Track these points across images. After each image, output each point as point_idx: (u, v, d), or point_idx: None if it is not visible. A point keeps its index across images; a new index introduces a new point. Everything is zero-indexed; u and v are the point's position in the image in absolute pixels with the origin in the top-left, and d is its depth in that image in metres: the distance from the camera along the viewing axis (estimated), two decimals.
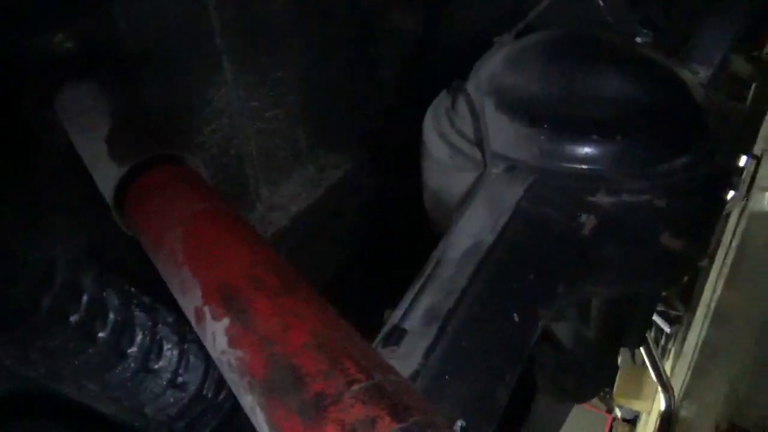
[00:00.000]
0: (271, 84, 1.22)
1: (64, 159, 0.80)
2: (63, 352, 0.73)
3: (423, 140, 0.88)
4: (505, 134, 0.75)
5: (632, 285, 0.80)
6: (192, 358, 0.83)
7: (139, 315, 0.80)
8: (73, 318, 0.73)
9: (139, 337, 0.79)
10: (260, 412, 0.30)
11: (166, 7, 0.94)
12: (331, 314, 0.34)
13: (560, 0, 0.96)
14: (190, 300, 0.38)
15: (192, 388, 0.83)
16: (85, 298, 0.74)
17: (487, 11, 1.33)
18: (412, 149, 0.96)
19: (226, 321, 0.34)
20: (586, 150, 0.70)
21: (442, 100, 0.93)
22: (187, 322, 0.84)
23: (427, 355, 0.48)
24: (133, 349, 0.78)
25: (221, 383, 0.87)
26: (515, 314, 0.56)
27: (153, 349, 0.80)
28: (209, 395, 0.85)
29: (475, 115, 0.79)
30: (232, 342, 0.33)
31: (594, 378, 1.07)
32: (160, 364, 0.80)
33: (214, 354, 0.35)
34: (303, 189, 1.38)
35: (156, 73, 0.95)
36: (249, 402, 0.31)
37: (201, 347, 0.86)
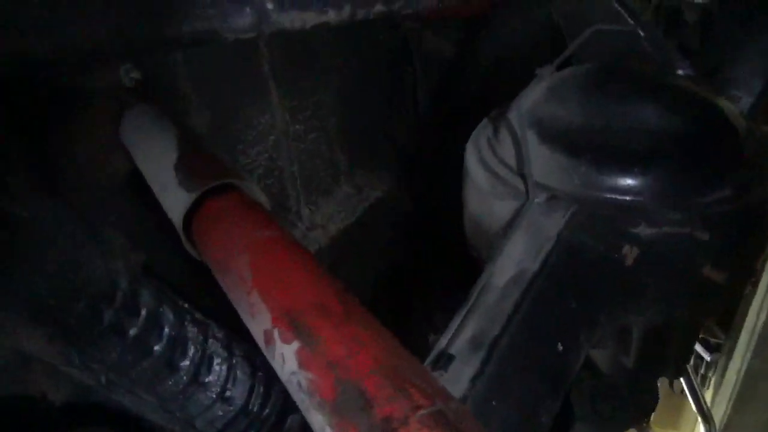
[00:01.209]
0: (313, 107, 1.27)
1: (125, 181, 0.85)
2: (121, 363, 0.77)
3: (465, 167, 0.90)
4: (547, 164, 0.77)
5: (673, 315, 0.81)
6: (239, 374, 0.87)
7: (191, 330, 0.84)
8: (131, 331, 0.77)
9: (191, 352, 0.83)
10: (330, 431, 0.32)
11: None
12: (392, 341, 0.37)
13: (600, 31, 0.98)
14: (259, 323, 0.41)
15: (239, 402, 0.86)
16: (143, 313, 0.79)
17: (523, 38, 1.35)
18: (447, 171, 0.99)
19: (295, 344, 0.37)
20: (627, 181, 0.72)
21: (484, 128, 0.95)
22: (235, 339, 0.88)
23: (474, 380, 0.50)
24: (185, 363, 0.82)
25: (266, 398, 0.90)
26: (559, 343, 0.57)
27: (203, 364, 0.84)
28: (254, 409, 0.88)
29: (518, 145, 0.81)
30: (302, 364, 0.36)
31: (633, 406, 1.06)
32: (210, 378, 0.84)
33: (283, 374, 0.38)
34: (342, 209, 1.42)
35: (207, 98, 1.00)
36: (319, 421, 0.33)
37: (247, 363, 0.89)
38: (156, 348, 0.79)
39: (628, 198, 0.72)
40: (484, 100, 1.04)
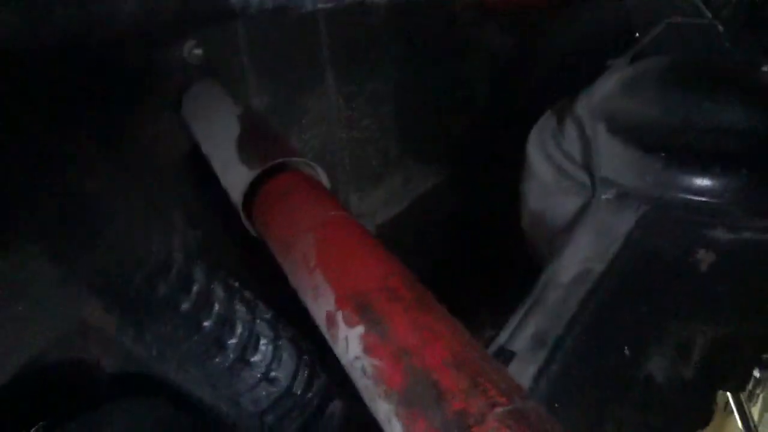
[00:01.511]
0: (368, 94, 1.25)
1: (185, 159, 0.85)
2: (172, 337, 0.78)
3: (526, 160, 0.87)
4: (617, 160, 0.73)
5: (744, 326, 0.76)
6: (285, 356, 0.86)
7: (240, 309, 0.84)
8: (184, 306, 0.78)
9: (239, 330, 0.83)
10: (397, 422, 0.31)
11: (281, 19, 0.98)
12: (465, 333, 0.35)
13: (676, 24, 0.93)
14: (321, 305, 0.39)
15: (283, 383, 0.86)
16: (195, 288, 0.79)
17: (588, 30, 1.30)
18: (501, 166, 0.95)
19: (360, 328, 0.35)
20: (708, 182, 0.67)
21: (548, 120, 0.92)
22: (282, 321, 0.88)
23: (536, 379, 0.48)
24: (233, 341, 0.82)
25: (310, 382, 0.89)
26: (626, 347, 0.54)
27: (250, 343, 0.84)
28: (298, 392, 0.88)
29: (586, 139, 0.78)
30: (368, 350, 0.34)
31: (687, 420, 1.01)
32: (256, 357, 0.84)
33: (346, 360, 0.36)
34: (390, 198, 1.41)
35: (266, 80, 1.00)
36: (384, 410, 0.32)
37: (293, 346, 0.89)
38: (206, 324, 0.80)
39: (706, 200, 0.67)
40: (546, 95, 1.00)
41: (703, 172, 0.67)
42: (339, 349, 0.37)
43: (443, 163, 1.47)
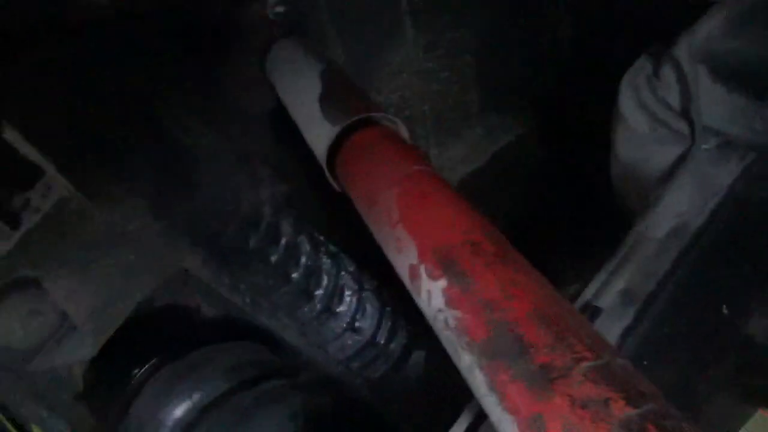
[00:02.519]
0: (448, 45, 1.22)
1: (271, 115, 0.88)
2: (264, 287, 0.82)
3: (618, 109, 0.82)
4: (721, 106, 0.67)
5: None
6: (368, 307, 0.89)
7: (325, 261, 0.87)
8: (273, 258, 0.82)
9: (324, 281, 0.86)
10: (480, 373, 0.31)
11: None
12: (550, 288, 0.34)
13: None
14: (404, 258, 0.40)
15: (367, 333, 0.89)
16: (283, 241, 0.83)
17: None
18: (589, 118, 0.90)
19: (443, 282, 0.36)
20: None
21: (642, 66, 0.85)
22: (365, 274, 0.90)
23: (624, 336, 0.46)
24: (320, 292, 0.86)
25: (392, 333, 0.92)
26: (724, 306, 0.51)
27: (336, 294, 0.87)
28: (381, 342, 0.91)
29: (686, 84, 0.72)
30: (450, 302, 0.35)
31: None
32: (341, 308, 0.88)
33: (429, 312, 0.37)
34: (471, 151, 1.38)
35: (344, 34, 0.99)
36: (467, 361, 0.32)
37: (376, 298, 0.92)
38: (294, 275, 0.84)
39: None
40: (636, 42, 0.93)
41: None
42: (422, 302, 0.38)
43: (526, 114, 1.42)
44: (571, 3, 1.31)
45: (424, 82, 1.20)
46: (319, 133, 0.58)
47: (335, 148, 0.56)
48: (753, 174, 0.61)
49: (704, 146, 0.66)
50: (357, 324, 0.89)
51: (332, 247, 0.88)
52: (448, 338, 0.35)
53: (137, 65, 0.68)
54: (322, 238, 0.87)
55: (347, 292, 0.89)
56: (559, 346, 0.29)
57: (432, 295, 0.36)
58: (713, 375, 0.48)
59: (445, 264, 0.36)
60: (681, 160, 0.66)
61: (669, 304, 0.50)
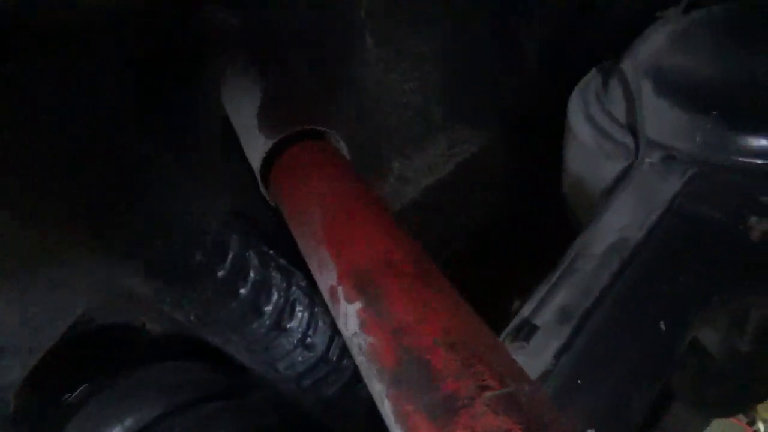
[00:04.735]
0: (411, 56, 1.21)
1: (221, 127, 0.86)
2: (210, 303, 0.80)
3: (568, 122, 0.82)
4: (664, 120, 0.68)
5: None
6: (320, 322, 0.87)
7: (275, 276, 0.85)
8: (220, 273, 0.79)
9: (274, 297, 0.84)
10: (388, 402, 0.30)
11: None
12: (466, 310, 0.33)
13: None
14: (325, 278, 0.39)
15: (319, 349, 0.87)
16: (230, 255, 0.80)
17: None
18: (554, 131, 0.91)
19: (358, 304, 0.34)
20: (763, 143, 0.61)
21: (592, 79, 0.86)
22: (317, 288, 0.88)
23: (558, 355, 0.46)
24: (269, 308, 0.84)
25: (345, 349, 0.90)
26: (662, 322, 0.51)
27: (286, 309, 0.85)
28: (334, 359, 0.89)
29: (630, 97, 0.72)
30: (364, 326, 0.33)
31: (743, 393, 0.96)
32: (292, 324, 0.85)
33: (346, 334, 0.36)
34: (434, 163, 1.37)
35: (303, 48, 0.98)
36: (377, 389, 0.31)
37: (329, 313, 0.89)
38: (242, 291, 0.81)
39: (760, 162, 0.61)
40: (602, 55, 0.93)
41: (760, 130, 0.61)
42: (340, 324, 0.36)
43: (491, 126, 1.42)
44: (538, 15, 1.32)
45: (387, 93, 1.19)
46: (254, 147, 0.56)
47: (270, 161, 0.55)
48: (693, 188, 0.61)
49: (648, 160, 0.66)
50: (308, 340, 0.87)
51: (283, 262, 0.86)
52: (361, 364, 0.33)
53: (70, 75, 0.66)
54: (271, 252, 0.85)
55: (299, 307, 0.87)
56: (466, 373, 0.27)
57: (348, 318, 0.35)
58: (649, 394, 0.48)
59: (361, 286, 0.35)
60: (624, 174, 0.67)
61: (605, 321, 0.49)
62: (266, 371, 0.85)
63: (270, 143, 0.53)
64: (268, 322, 0.83)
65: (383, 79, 1.17)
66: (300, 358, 0.86)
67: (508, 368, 0.29)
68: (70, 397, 0.65)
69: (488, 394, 0.26)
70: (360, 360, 0.33)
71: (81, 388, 0.66)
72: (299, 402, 0.87)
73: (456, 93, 1.30)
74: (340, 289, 0.36)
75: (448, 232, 1.38)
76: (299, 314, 0.86)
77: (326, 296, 0.39)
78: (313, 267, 0.42)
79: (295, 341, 0.85)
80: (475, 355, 0.29)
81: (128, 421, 0.60)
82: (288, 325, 0.85)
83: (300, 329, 0.86)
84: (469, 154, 1.39)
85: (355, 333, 0.34)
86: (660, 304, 0.52)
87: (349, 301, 0.35)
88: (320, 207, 0.43)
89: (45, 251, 0.63)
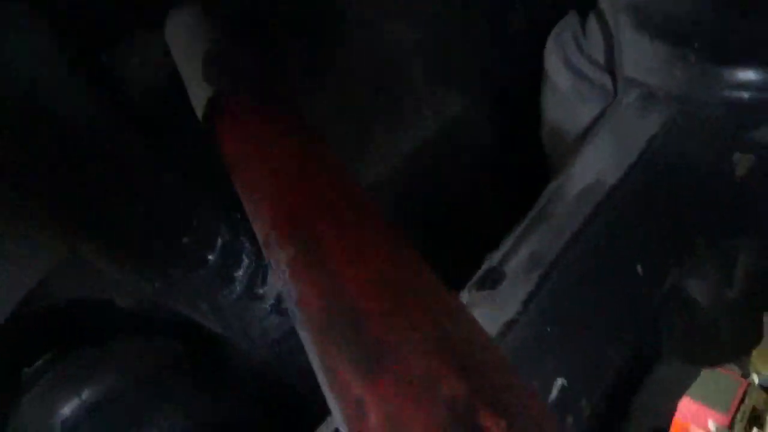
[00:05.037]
0: (393, 20, 1.16)
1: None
2: (175, 271, 0.76)
3: (544, 68, 0.78)
4: (643, 57, 0.64)
5: None
6: None
7: (245, 241, 0.81)
8: (184, 240, 0.76)
9: (245, 263, 0.81)
10: (315, 352, 0.26)
11: None
12: (406, 252, 0.29)
13: None
14: (260, 226, 0.35)
15: None
16: (195, 222, 0.77)
17: None
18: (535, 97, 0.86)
19: (290, 250, 0.31)
20: (750, 75, 0.57)
21: (569, 22, 0.81)
22: None
23: (526, 303, 0.42)
24: (240, 273, 0.80)
25: None
26: (639, 266, 0.48)
27: (258, 275, 0.82)
28: None
29: (609, 36, 0.68)
30: (294, 273, 0.30)
31: (732, 343, 0.94)
32: (264, 289, 0.82)
33: (279, 284, 0.32)
34: (412, 129, 1.33)
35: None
36: (306, 339, 0.28)
37: None
38: (210, 257, 0.78)
39: (747, 95, 0.57)
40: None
41: (745, 63, 0.57)
42: (275, 275, 0.33)
43: (475, 88, 1.37)
44: None
45: (370, 56, 1.15)
46: (198, 95, 0.52)
47: (215, 110, 0.51)
48: (673, 126, 0.58)
49: (626, 99, 0.62)
50: (283, 305, 0.84)
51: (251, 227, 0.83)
52: (293, 314, 0.30)
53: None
54: (239, 216, 0.82)
55: (270, 273, 0.84)
56: (395, 314, 0.24)
57: (280, 266, 0.31)
58: (625, 341, 0.45)
59: (293, 230, 0.31)
60: (603, 114, 0.63)
61: (577, 265, 0.46)
62: (240, 340, 0.83)
63: (212, 90, 0.49)
64: (239, 289, 0.80)
65: (372, 39, 1.12)
66: (275, 324, 0.83)
67: (444, 309, 0.25)
68: (26, 370, 0.62)
69: (417, 335, 0.23)
70: (292, 310, 0.30)
71: (38, 362, 0.63)
72: (276, 371, 0.84)
73: (438, 56, 1.25)
74: (272, 235, 0.33)
75: (434, 195, 1.35)
76: (272, 280, 0.83)
77: (262, 246, 0.35)
78: (251, 216, 0.38)
79: (269, 307, 0.82)
80: (408, 295, 0.25)
81: (85, 394, 0.57)
82: (260, 291, 0.82)
83: (273, 295, 0.83)
84: (452, 117, 1.35)
85: (286, 281, 0.30)
86: (636, 248, 0.49)
87: (282, 248, 0.31)
88: (260, 154, 0.39)
89: None
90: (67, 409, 0.56)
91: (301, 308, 0.28)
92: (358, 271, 0.27)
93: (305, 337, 0.28)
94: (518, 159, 1.29)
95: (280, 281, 0.32)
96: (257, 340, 0.83)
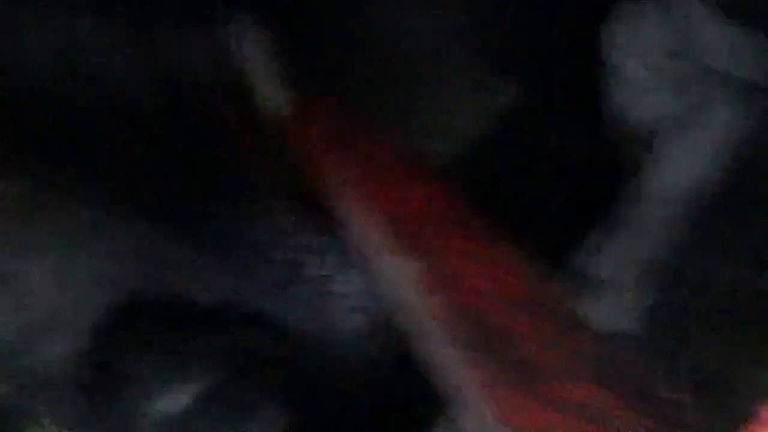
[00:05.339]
0: (440, 4, 1.14)
1: None
2: (251, 268, 0.78)
3: (606, 54, 0.76)
4: (725, 46, 0.62)
5: None
6: (374, 282, 0.85)
7: (328, 240, 0.82)
8: (262, 238, 0.78)
9: (327, 261, 0.82)
10: (464, 371, 0.27)
11: None
12: (529, 266, 0.30)
13: None
14: (369, 233, 0.36)
15: (377, 310, 0.85)
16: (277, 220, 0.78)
17: None
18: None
19: (408, 258, 0.32)
20: None
21: (639, 5, 0.79)
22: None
23: (635, 312, 0.42)
24: (321, 271, 0.81)
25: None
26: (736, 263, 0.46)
27: (341, 273, 0.83)
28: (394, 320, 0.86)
29: (680, 23, 0.66)
30: (415, 282, 0.30)
31: None
32: (347, 286, 0.83)
33: (391, 291, 0.33)
34: (462, 112, 1.32)
35: None
36: (447, 357, 0.28)
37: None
38: (283, 254, 0.79)
39: None
40: None
41: None
42: (385, 281, 0.34)
43: (526, 74, 1.34)
44: None
45: (414, 42, 1.14)
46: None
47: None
48: (761, 118, 0.56)
49: (707, 90, 0.60)
50: (364, 302, 0.85)
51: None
52: (419, 326, 0.31)
53: None
54: (318, 213, 0.83)
55: (352, 269, 0.85)
56: (548, 339, 0.24)
57: (395, 273, 0.32)
58: (737, 339, 0.44)
59: (411, 238, 0.32)
60: (684, 107, 0.61)
61: (686, 271, 0.45)
62: (323, 337, 0.84)
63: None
64: (320, 286, 0.81)
65: (411, 25, 1.11)
66: (359, 319, 0.84)
67: (585, 329, 0.25)
68: (122, 367, 0.65)
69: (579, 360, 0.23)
70: (417, 322, 0.31)
71: (132, 359, 0.66)
72: (363, 362, 0.85)
73: (488, 40, 1.23)
74: (384, 242, 0.33)
75: (481, 186, 1.34)
76: (353, 275, 0.84)
77: (369, 252, 0.36)
78: (355, 222, 0.39)
79: (352, 306, 0.83)
80: (551, 317, 0.26)
81: (189, 388, 0.59)
82: (342, 290, 0.83)
83: (355, 290, 0.84)
84: (501, 104, 1.32)
85: (410, 292, 0.31)
86: (746, 250, 0.47)
87: (396, 254, 0.32)
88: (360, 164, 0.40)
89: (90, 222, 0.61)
90: (167, 402, 0.58)
91: (428, 317, 0.28)
92: (492, 287, 0.27)
93: (443, 353, 0.28)
94: (575, 148, 1.26)
95: (398, 290, 0.33)
96: (340, 336, 0.85)
